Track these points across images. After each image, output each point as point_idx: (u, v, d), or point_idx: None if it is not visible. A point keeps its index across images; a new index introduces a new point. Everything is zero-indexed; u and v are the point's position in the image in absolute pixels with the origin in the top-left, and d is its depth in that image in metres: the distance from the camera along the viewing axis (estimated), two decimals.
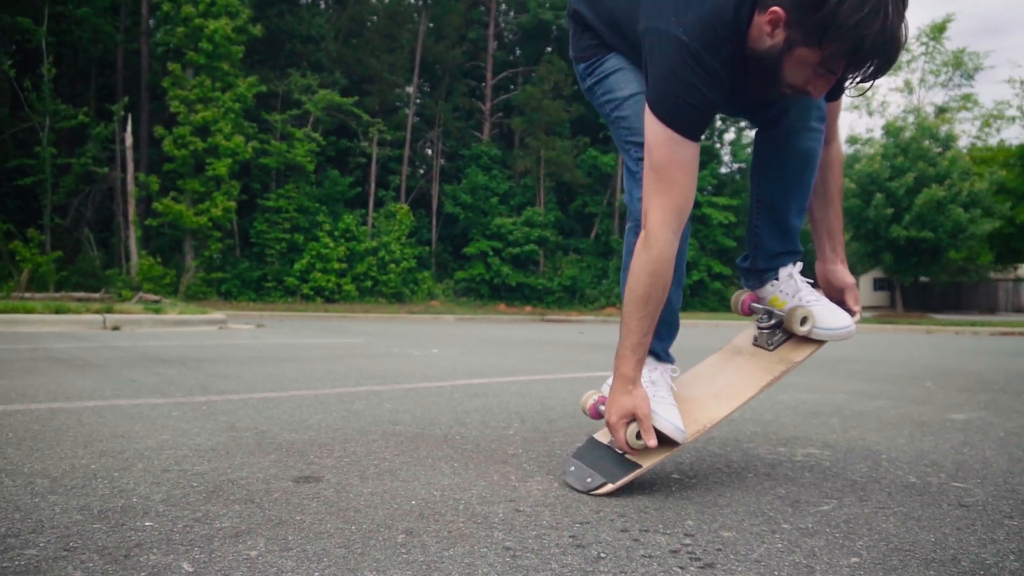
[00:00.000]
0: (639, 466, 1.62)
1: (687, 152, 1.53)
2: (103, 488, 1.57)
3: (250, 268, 24.15)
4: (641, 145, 1.65)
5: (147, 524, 1.33)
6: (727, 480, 1.74)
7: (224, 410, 2.65)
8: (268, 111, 24.82)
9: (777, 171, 1.77)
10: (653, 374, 1.75)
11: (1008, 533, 1.36)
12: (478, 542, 1.26)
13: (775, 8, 1.41)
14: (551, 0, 28.99)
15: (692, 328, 14.67)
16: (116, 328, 8.72)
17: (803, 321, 1.73)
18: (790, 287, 1.82)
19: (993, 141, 30.40)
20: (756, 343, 1.86)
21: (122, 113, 22.61)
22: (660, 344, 1.79)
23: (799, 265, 1.86)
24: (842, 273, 1.80)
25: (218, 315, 10.95)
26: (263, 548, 1.21)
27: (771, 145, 1.76)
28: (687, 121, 1.52)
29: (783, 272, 1.84)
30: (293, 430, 2.28)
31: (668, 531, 1.34)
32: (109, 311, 9.49)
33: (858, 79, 1.46)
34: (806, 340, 1.77)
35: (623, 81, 1.74)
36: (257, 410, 2.67)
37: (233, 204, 22.58)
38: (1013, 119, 27.22)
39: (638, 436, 1.59)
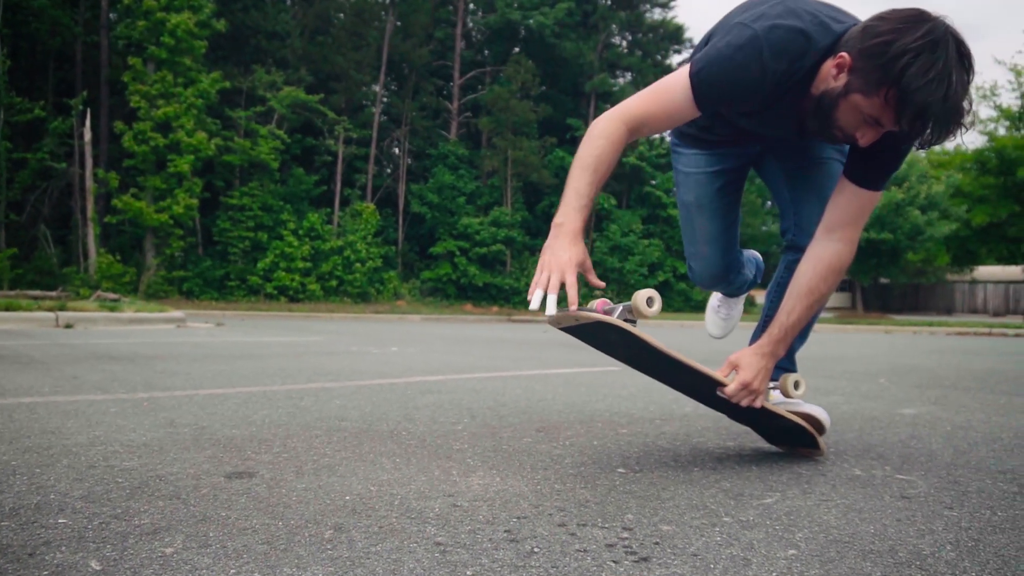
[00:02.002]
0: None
1: (684, 102, 1.61)
2: (20, 485, 1.50)
3: (212, 267, 23.76)
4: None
5: (60, 521, 1.26)
6: (673, 474, 1.71)
7: (166, 406, 2.57)
8: (232, 108, 24.43)
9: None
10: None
11: (947, 524, 1.35)
12: (408, 537, 1.22)
13: (843, 53, 1.51)
14: (519, 0, 28.98)
15: (657, 328, 14.76)
16: (69, 326, 8.51)
17: (796, 385, 1.84)
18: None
19: (950, 145, 31.04)
20: None
21: (80, 107, 22.09)
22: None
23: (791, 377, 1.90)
24: (749, 357, 1.72)
25: (177, 313, 10.75)
26: (180, 545, 1.15)
27: (790, 274, 1.83)
28: (707, 86, 1.58)
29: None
30: (234, 426, 2.21)
31: (607, 525, 1.31)
32: (62, 308, 9.25)
33: (917, 143, 1.53)
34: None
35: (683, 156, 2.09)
36: (201, 406, 2.59)
37: (195, 202, 22.19)
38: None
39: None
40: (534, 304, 1.53)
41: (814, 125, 1.61)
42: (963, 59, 1.43)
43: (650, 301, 1.56)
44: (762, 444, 2.10)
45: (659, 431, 2.29)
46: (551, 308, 1.52)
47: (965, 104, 1.44)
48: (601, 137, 1.62)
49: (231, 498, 1.43)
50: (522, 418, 2.48)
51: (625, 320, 1.56)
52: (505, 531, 1.26)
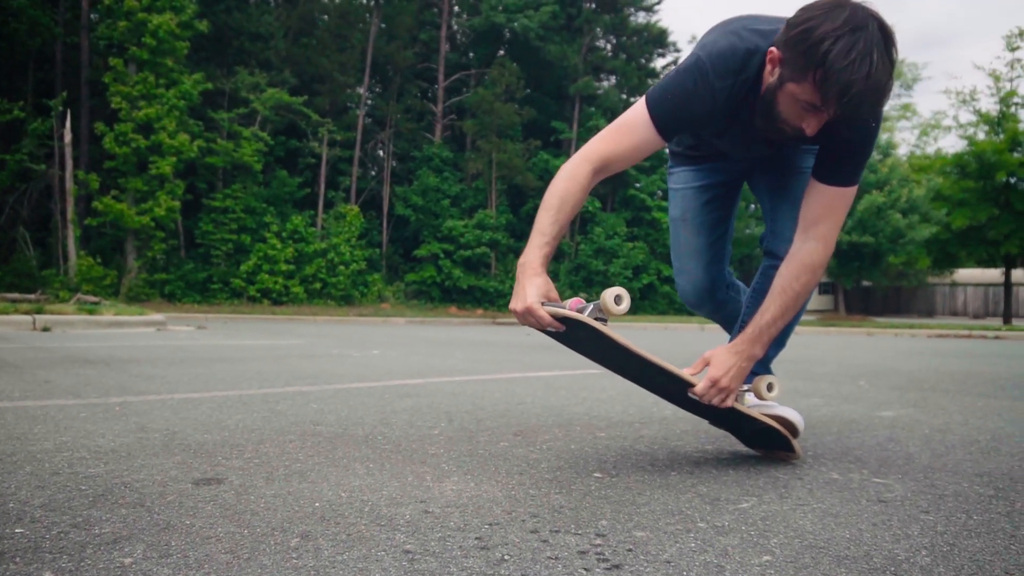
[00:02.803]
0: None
1: (648, 137, 1.69)
2: None
3: (195, 269, 23.56)
4: None
5: (17, 531, 1.22)
6: (649, 478, 1.70)
7: (138, 411, 2.53)
8: (215, 109, 24.25)
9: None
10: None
11: (923, 528, 1.34)
12: (377, 545, 1.19)
13: (772, 48, 1.59)
14: (504, 3, 28.97)
15: (642, 331, 14.78)
16: (46, 329, 8.40)
17: (770, 387, 1.85)
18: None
19: (931, 149, 31.38)
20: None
21: (60, 108, 21.84)
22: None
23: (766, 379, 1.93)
24: (721, 354, 1.74)
25: (157, 316, 10.64)
26: (140, 555, 1.12)
27: (769, 279, 1.85)
28: (665, 115, 1.68)
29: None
30: (207, 431, 2.18)
31: (580, 531, 1.29)
32: (40, 311, 9.13)
33: (845, 124, 1.61)
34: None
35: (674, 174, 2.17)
36: (174, 411, 2.55)
37: (177, 204, 21.98)
38: (949, 129, 28.06)
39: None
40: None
41: (761, 123, 1.66)
42: (886, 39, 1.48)
43: (618, 299, 1.57)
44: (740, 448, 2.09)
45: (638, 435, 2.27)
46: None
47: (888, 82, 1.51)
48: (566, 179, 1.70)
49: (197, 506, 1.40)
50: (500, 422, 2.45)
51: (596, 319, 1.57)
52: (476, 538, 1.24)
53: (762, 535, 1.28)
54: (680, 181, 2.11)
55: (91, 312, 9.86)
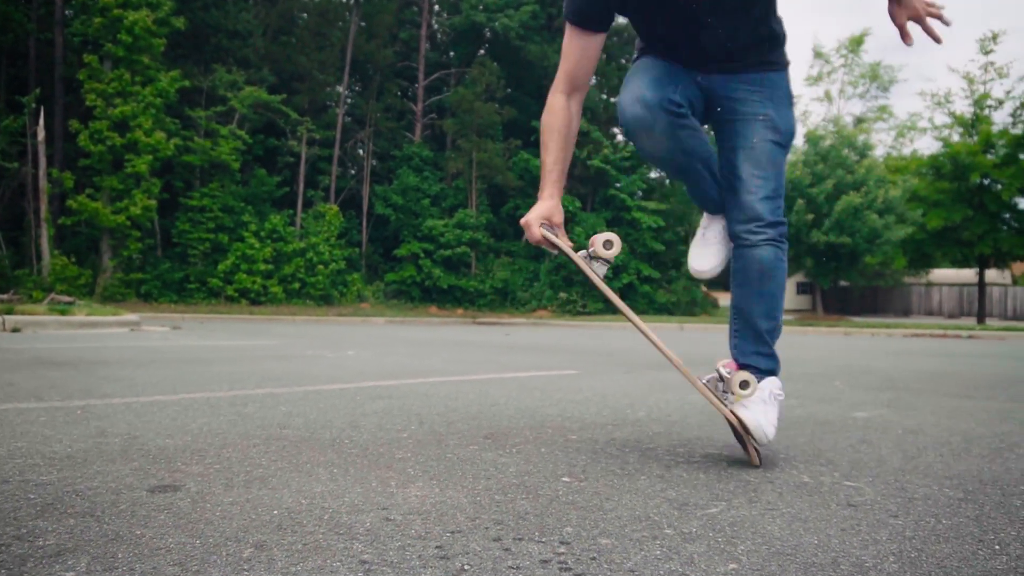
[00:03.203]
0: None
1: (582, 40, 1.91)
2: None
3: (172, 269, 23.29)
4: None
5: None
6: (618, 483, 1.67)
7: (101, 414, 2.47)
8: (192, 107, 23.99)
9: (742, 279, 1.97)
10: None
11: (891, 533, 1.32)
12: (333, 555, 1.15)
13: None
14: (484, 2, 28.90)
15: (620, 330, 14.81)
16: (16, 330, 8.25)
17: (743, 385, 1.85)
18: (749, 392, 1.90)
19: (907, 151, 31.68)
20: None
21: (33, 105, 21.51)
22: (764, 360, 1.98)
23: (772, 380, 1.94)
24: (913, 3, 1.81)
25: (131, 317, 10.50)
26: (83, 568, 1.08)
27: (737, 258, 1.98)
28: (580, 11, 1.87)
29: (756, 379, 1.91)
30: (169, 435, 2.12)
31: (544, 539, 1.26)
32: (10, 312, 8.97)
33: None
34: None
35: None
36: (137, 414, 2.49)
37: (154, 203, 21.72)
38: (925, 130, 28.34)
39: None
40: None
41: None
42: None
43: (607, 244, 1.88)
44: (712, 450, 2.07)
45: (609, 437, 2.24)
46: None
47: None
48: (547, 114, 1.97)
49: (150, 515, 1.35)
50: (471, 424, 2.42)
51: (593, 258, 1.91)
52: (436, 547, 1.20)
53: (729, 542, 1.26)
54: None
55: (63, 312, 9.70)
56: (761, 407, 1.85)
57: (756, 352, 1.98)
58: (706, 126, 2.09)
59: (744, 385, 1.85)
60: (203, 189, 23.89)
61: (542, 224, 1.91)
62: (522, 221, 1.93)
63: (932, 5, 1.80)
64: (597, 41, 1.92)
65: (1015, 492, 1.64)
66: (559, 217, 1.94)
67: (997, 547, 1.26)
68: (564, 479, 1.69)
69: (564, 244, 1.91)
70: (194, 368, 4.24)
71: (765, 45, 1.94)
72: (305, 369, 4.35)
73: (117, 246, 21.89)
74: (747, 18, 1.86)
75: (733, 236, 1.98)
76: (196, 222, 23.59)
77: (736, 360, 2.01)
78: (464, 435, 2.22)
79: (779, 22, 1.95)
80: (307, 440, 2.10)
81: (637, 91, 1.88)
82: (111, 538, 1.21)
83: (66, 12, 23.68)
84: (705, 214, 2.15)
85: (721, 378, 1.95)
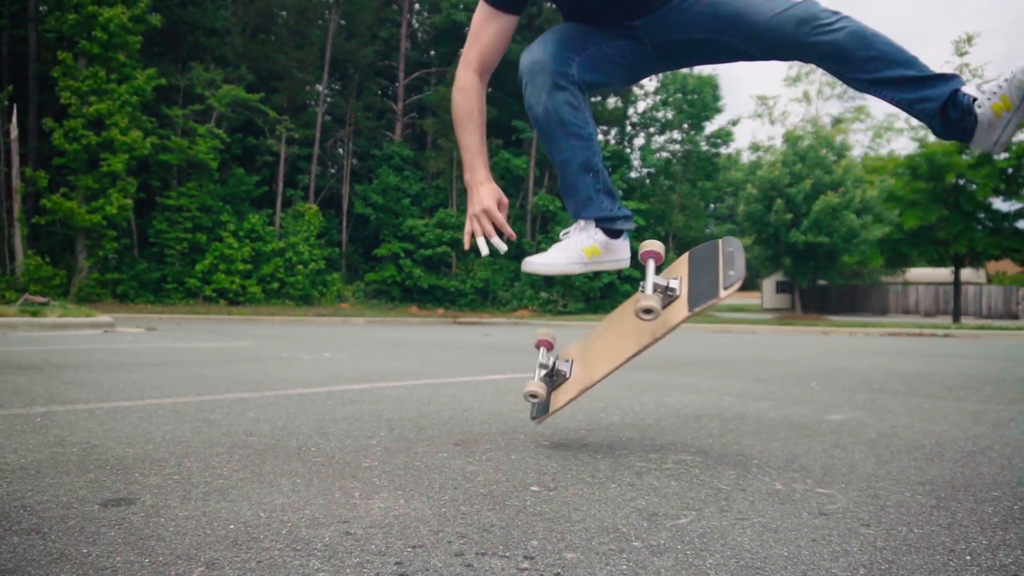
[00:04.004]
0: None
1: (497, 20, 1.92)
2: None
3: (148, 269, 23.02)
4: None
5: None
6: (588, 492, 1.63)
7: (62, 422, 2.40)
8: (169, 105, 23.73)
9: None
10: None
11: (862, 544, 1.30)
12: (288, 573, 1.11)
13: None
14: (464, 1, 28.82)
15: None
16: None
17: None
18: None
19: (884, 151, 32.00)
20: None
21: (6, 103, 21.19)
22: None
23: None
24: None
25: (105, 318, 10.34)
26: None
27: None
28: None
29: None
30: (129, 444, 2.06)
31: (508, 553, 1.22)
32: None
33: None
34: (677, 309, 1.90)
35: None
36: (100, 421, 2.42)
37: (130, 202, 21.44)
38: (901, 131, 28.70)
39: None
40: (483, 251, 1.93)
41: None
42: None
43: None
44: (686, 455, 2.04)
45: (582, 443, 2.21)
46: (485, 249, 1.94)
47: None
48: (457, 93, 1.96)
49: (100, 530, 1.30)
50: (442, 430, 2.38)
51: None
52: (396, 563, 1.16)
53: (698, 555, 1.23)
54: None
55: (35, 314, 9.54)
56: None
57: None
58: (698, 63, 2.09)
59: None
60: (180, 188, 23.63)
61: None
62: (481, 209, 1.91)
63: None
64: (510, 23, 1.94)
65: (987, 498, 1.63)
66: (505, 198, 1.98)
67: (968, 558, 1.24)
68: (533, 488, 1.66)
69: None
70: (164, 371, 4.17)
71: None
72: (278, 372, 4.28)
73: (93, 246, 21.60)
74: None
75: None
76: (173, 222, 23.34)
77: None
78: (434, 441, 2.18)
79: None
80: (272, 448, 2.05)
81: (537, 46, 1.96)
82: (55, 557, 1.16)
83: (40, 8, 23.33)
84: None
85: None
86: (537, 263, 2.01)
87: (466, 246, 1.99)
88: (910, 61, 1.73)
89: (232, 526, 1.34)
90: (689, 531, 1.36)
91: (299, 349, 6.57)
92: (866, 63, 1.72)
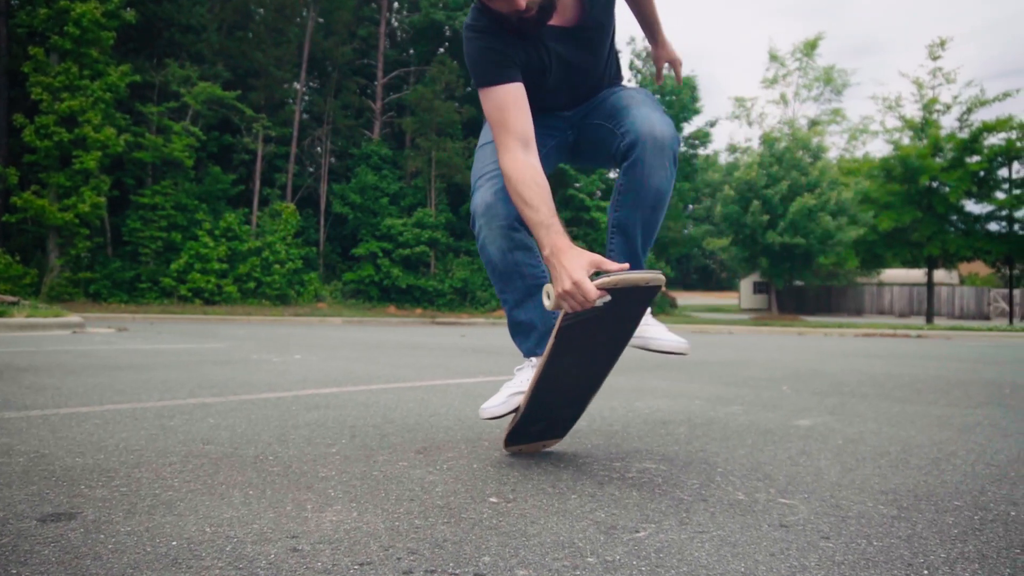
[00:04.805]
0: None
1: (501, 96, 1.84)
2: None
3: (122, 268, 22.69)
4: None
5: None
6: (546, 503, 1.60)
7: (12, 429, 2.33)
8: (143, 103, 23.42)
9: (633, 201, 1.92)
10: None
11: (820, 558, 1.27)
12: None
13: None
14: (444, 0, 28.72)
15: None
16: None
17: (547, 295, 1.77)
18: None
19: (859, 153, 32.28)
20: None
21: None
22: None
23: None
24: (671, 51, 2.27)
25: (74, 318, 10.17)
26: None
27: (630, 179, 1.90)
28: (488, 72, 1.84)
29: None
30: (80, 453, 2.00)
31: (458, 570, 1.18)
32: None
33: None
34: None
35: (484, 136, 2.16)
36: (53, 429, 2.36)
37: (103, 200, 21.14)
38: (876, 133, 28.91)
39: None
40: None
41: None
42: None
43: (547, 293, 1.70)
44: (650, 463, 2.02)
45: (546, 450, 2.18)
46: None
47: None
48: (515, 174, 1.78)
49: (34, 548, 1.25)
50: (405, 437, 2.34)
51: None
52: None
53: (653, 571, 1.20)
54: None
55: (2, 314, 9.36)
56: (662, 328, 2.10)
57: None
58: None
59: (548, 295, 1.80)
60: (155, 187, 23.33)
61: (596, 274, 1.63)
62: (567, 288, 1.60)
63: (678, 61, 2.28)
64: (520, 89, 1.85)
65: (948, 508, 1.62)
66: (597, 258, 1.65)
67: (926, 572, 1.22)
68: (491, 499, 1.62)
69: (627, 276, 1.63)
70: (128, 375, 4.08)
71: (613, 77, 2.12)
72: (245, 375, 4.21)
73: (65, 244, 21.27)
74: (596, 68, 2.03)
75: (628, 154, 1.89)
76: (148, 220, 23.04)
77: None
78: (396, 449, 2.14)
79: (617, 59, 2.13)
80: (229, 457, 2.00)
81: (488, 188, 1.93)
82: None
83: (10, 2, 22.94)
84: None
85: None
86: (490, 409, 2.00)
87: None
88: (648, 238, 1.99)
89: (174, 543, 1.29)
90: (646, 545, 1.33)
91: (271, 351, 6.49)
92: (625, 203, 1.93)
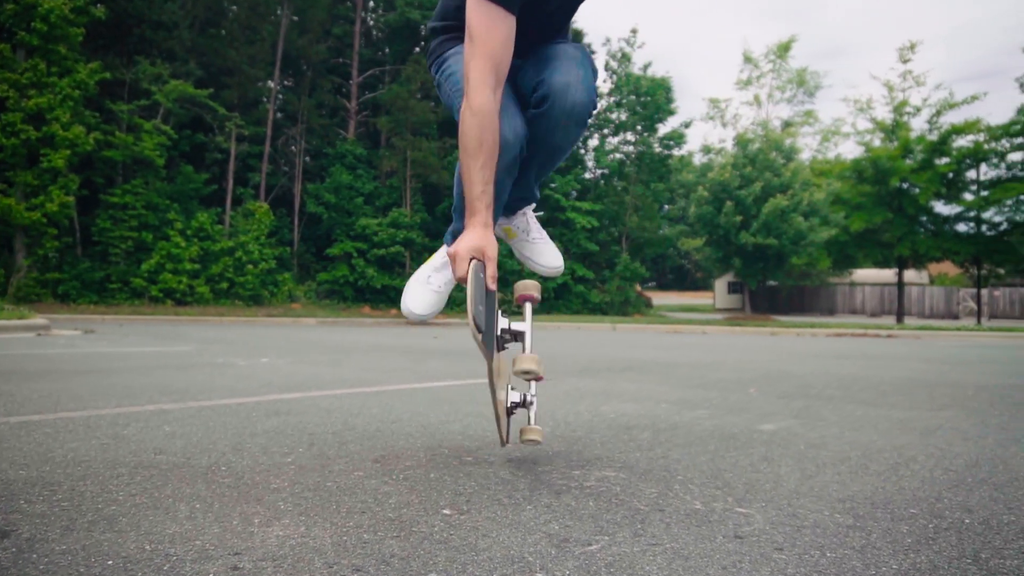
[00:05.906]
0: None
1: (500, 19, 1.71)
2: None
3: (92, 268, 22.34)
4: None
5: None
6: (501, 514, 1.58)
7: None
8: (113, 100, 23.08)
9: (532, 148, 1.92)
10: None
11: (772, 571, 1.26)
12: None
13: None
14: None
15: (555, 331, 14.80)
16: None
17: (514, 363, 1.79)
18: (522, 223, 2.22)
19: (831, 155, 32.67)
20: None
21: None
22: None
23: (532, 206, 2.22)
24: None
25: (39, 320, 9.99)
26: None
27: (535, 128, 1.89)
28: None
29: (519, 213, 2.21)
30: (24, 465, 1.94)
31: None
32: None
33: None
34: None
35: (457, 53, 2.01)
36: (1, 439, 2.29)
37: (71, 199, 20.80)
38: (848, 135, 29.29)
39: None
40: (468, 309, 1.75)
41: None
42: None
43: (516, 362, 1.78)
44: (610, 471, 2.00)
45: (506, 458, 2.15)
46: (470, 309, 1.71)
47: None
48: (475, 119, 1.72)
49: None
50: (364, 445, 2.30)
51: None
52: None
53: None
54: None
55: None
56: (548, 244, 2.27)
57: (520, 197, 2.15)
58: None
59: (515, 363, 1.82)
60: (125, 186, 22.99)
61: (473, 259, 1.71)
62: (449, 251, 1.72)
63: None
64: (513, 24, 1.75)
65: (903, 516, 1.61)
66: (493, 250, 1.73)
67: None
68: (445, 511, 1.59)
69: (491, 287, 1.75)
70: (88, 380, 4.00)
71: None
72: (208, 380, 4.14)
73: (32, 244, 20.90)
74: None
75: (541, 104, 1.87)
76: (118, 220, 22.70)
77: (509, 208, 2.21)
78: (353, 458, 2.10)
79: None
80: (180, 467, 1.95)
81: (512, 119, 1.87)
82: None
83: None
84: (437, 254, 2.19)
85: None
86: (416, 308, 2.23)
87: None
88: (540, 176, 2.07)
89: (110, 562, 1.25)
90: (597, 559, 1.31)
91: (238, 354, 6.40)
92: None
